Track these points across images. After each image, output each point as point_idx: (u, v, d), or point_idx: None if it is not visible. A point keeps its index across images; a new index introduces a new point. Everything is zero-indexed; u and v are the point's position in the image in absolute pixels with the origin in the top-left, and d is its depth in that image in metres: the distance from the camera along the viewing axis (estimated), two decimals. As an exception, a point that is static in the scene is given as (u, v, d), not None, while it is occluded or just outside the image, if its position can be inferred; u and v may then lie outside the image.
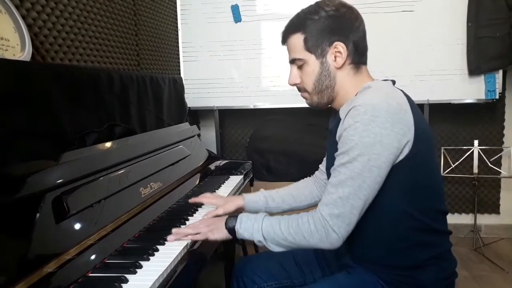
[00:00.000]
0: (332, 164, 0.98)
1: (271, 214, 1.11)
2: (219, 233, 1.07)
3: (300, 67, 1.08)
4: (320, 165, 1.35)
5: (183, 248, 1.02)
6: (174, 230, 1.08)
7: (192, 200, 1.32)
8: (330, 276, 1.18)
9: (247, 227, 1.04)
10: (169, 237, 1.06)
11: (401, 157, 0.93)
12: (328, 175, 1.16)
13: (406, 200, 0.98)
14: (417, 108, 0.99)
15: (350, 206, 0.92)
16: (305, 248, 1.01)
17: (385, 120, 0.90)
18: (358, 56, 1.05)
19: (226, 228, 1.07)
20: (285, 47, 1.12)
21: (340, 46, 1.02)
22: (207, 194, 1.34)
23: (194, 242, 1.08)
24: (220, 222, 1.09)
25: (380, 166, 0.91)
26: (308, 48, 1.04)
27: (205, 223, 1.11)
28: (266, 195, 1.31)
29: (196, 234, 1.08)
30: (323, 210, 0.95)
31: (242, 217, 1.07)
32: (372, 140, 0.90)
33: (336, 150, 0.98)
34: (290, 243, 1.00)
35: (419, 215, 0.98)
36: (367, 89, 1.00)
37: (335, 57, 1.04)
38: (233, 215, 1.10)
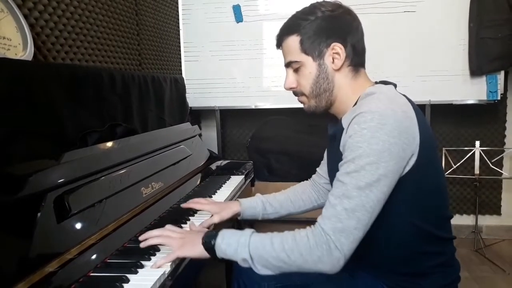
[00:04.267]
0: (335, 171, 0.94)
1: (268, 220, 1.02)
2: (192, 250, 0.94)
3: (296, 70, 1.04)
4: (317, 169, 1.33)
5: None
6: (142, 236, 0.98)
7: (184, 205, 1.24)
8: (332, 278, 1.18)
9: (231, 242, 0.91)
10: (141, 238, 0.98)
11: (407, 169, 0.90)
12: (331, 179, 1.14)
13: (410, 211, 0.95)
14: (421, 113, 0.96)
15: (356, 219, 0.84)
16: (300, 271, 0.89)
17: (392, 129, 0.86)
18: (357, 58, 1.02)
19: (203, 244, 0.94)
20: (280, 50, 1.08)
21: (338, 47, 0.99)
22: (201, 200, 1.26)
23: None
24: (197, 237, 0.96)
25: (387, 176, 0.86)
26: (305, 50, 1.00)
27: (180, 235, 0.99)
28: (263, 200, 1.28)
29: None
30: (324, 224, 0.86)
31: (225, 231, 0.95)
32: (381, 147, 0.85)
33: (338, 156, 0.95)
34: (282, 263, 0.88)
35: (424, 224, 0.96)
36: (370, 96, 0.95)
37: (333, 58, 1.00)
38: (213, 230, 0.99)
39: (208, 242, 0.94)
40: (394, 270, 1.02)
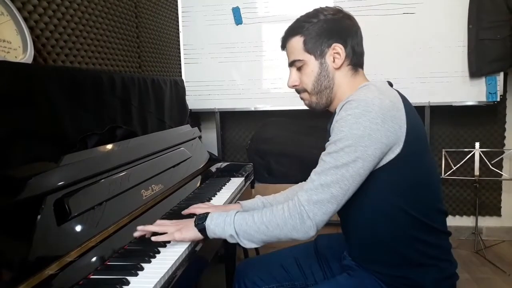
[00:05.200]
0: None
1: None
2: (188, 232, 1.04)
3: (299, 69, 1.10)
4: None
5: (184, 251, 1.02)
6: (139, 227, 1.06)
7: (185, 212, 1.24)
8: (331, 278, 1.19)
9: (218, 223, 1.02)
10: (134, 233, 1.06)
11: (392, 155, 0.94)
12: None
13: (401, 198, 0.98)
14: (412, 108, 1.01)
15: (330, 194, 0.92)
16: (279, 240, 0.98)
17: (376, 116, 0.91)
18: (356, 59, 1.08)
19: (196, 226, 1.04)
20: (285, 52, 1.14)
21: (338, 48, 1.06)
22: (201, 205, 1.27)
23: (195, 244, 1.07)
24: (190, 222, 1.07)
25: (365, 159, 0.92)
26: (308, 49, 1.07)
27: (174, 222, 1.09)
28: (264, 202, 1.29)
29: (163, 233, 1.05)
30: (301, 196, 0.95)
31: (213, 213, 1.05)
32: (362, 132, 0.91)
33: None
34: (263, 235, 0.98)
35: (416, 213, 0.99)
36: (362, 87, 1.02)
37: (333, 58, 1.07)
38: (203, 214, 1.08)
39: (200, 224, 1.04)
40: (389, 262, 1.03)
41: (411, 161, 0.96)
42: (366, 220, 1.01)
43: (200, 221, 1.04)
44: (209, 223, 1.03)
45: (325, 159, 0.95)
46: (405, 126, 0.94)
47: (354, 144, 0.91)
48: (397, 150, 0.94)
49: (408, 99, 1.03)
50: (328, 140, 0.99)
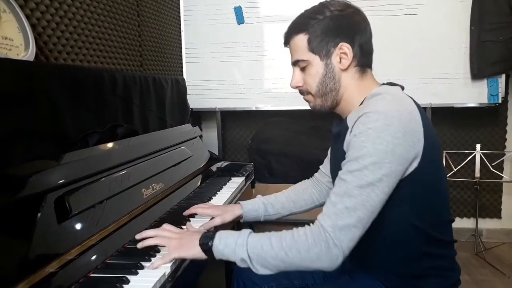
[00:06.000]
0: (338, 170, 0.93)
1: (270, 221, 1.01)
2: (189, 251, 0.94)
3: (303, 69, 1.04)
4: (321, 167, 1.33)
5: (185, 250, 1.02)
6: (137, 236, 0.98)
7: (186, 212, 1.23)
8: (331, 280, 1.18)
9: (228, 243, 0.90)
10: (137, 236, 0.98)
11: (410, 169, 0.89)
12: (333, 177, 1.14)
13: (412, 212, 0.95)
14: (426, 116, 0.95)
15: (357, 218, 0.84)
16: (298, 269, 0.89)
17: (397, 130, 0.86)
18: (364, 59, 1.02)
19: (201, 246, 0.93)
20: (287, 48, 1.08)
21: (345, 47, 0.99)
22: (201, 205, 1.25)
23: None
24: (194, 238, 0.95)
25: (390, 176, 0.85)
26: (312, 49, 1.01)
27: (177, 235, 0.98)
28: (264, 202, 1.27)
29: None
30: (324, 221, 0.86)
31: (222, 232, 0.94)
32: (385, 148, 0.85)
33: (342, 155, 0.94)
34: (280, 262, 0.87)
35: (425, 227, 0.96)
36: (376, 96, 0.95)
37: (340, 58, 1.00)
38: (210, 231, 0.98)
39: (206, 243, 0.93)
40: (393, 271, 1.01)
41: (426, 174, 0.92)
42: (373, 233, 0.94)
43: (206, 240, 0.93)
44: (217, 243, 0.92)
45: (347, 178, 0.86)
46: (423, 139, 0.90)
47: (379, 161, 0.84)
48: (415, 164, 0.89)
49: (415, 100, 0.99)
50: (341, 153, 0.93)
